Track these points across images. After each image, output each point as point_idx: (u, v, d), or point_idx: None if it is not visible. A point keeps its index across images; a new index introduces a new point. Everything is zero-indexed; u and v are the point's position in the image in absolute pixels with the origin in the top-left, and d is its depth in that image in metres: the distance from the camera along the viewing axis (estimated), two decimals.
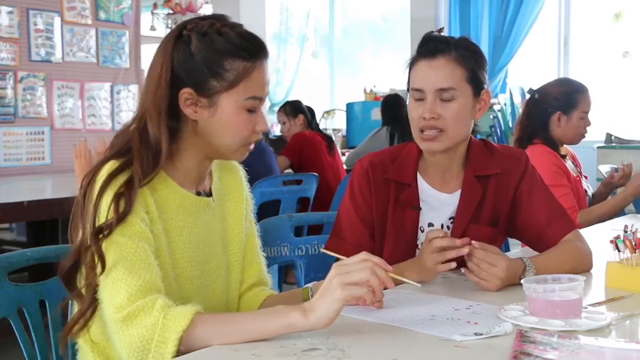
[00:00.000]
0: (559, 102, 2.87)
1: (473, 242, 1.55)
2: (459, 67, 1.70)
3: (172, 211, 1.40)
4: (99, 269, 1.25)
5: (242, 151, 1.45)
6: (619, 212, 2.86)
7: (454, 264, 1.56)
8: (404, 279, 1.36)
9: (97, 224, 1.27)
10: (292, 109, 5.05)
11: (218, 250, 1.50)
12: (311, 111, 5.14)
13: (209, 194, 1.50)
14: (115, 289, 1.25)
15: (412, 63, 1.76)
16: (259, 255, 1.62)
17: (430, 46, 1.72)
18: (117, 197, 1.28)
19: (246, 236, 1.58)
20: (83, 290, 1.31)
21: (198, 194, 1.47)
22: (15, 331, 1.48)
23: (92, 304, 1.29)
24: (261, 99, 1.41)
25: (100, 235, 1.26)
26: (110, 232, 1.26)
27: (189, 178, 1.45)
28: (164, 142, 1.35)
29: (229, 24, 1.40)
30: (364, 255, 1.25)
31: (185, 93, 1.36)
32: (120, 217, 1.27)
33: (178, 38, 1.37)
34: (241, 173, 1.62)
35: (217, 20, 1.39)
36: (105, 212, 1.28)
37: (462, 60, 1.71)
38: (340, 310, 1.21)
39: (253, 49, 1.39)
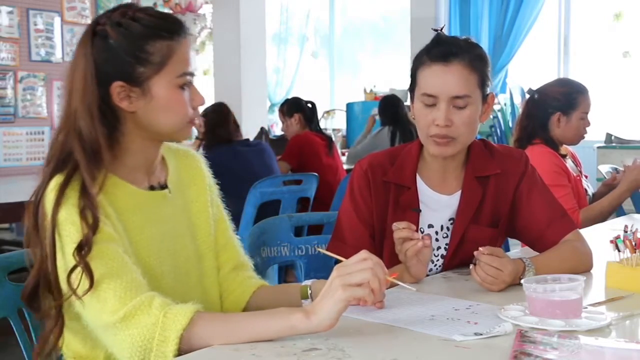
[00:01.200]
0: (559, 103, 2.87)
1: (480, 248, 1.55)
2: (472, 73, 1.68)
3: (128, 211, 1.37)
4: (85, 286, 1.23)
5: (187, 129, 1.43)
6: (617, 208, 2.86)
7: (417, 247, 1.56)
8: (399, 282, 1.36)
9: (61, 241, 1.25)
10: (289, 108, 5.00)
11: (186, 241, 1.48)
12: (313, 108, 5.03)
13: (165, 186, 1.47)
14: (100, 296, 1.24)
15: (421, 65, 1.72)
16: (233, 238, 1.60)
17: (442, 50, 1.68)
18: (82, 211, 1.25)
19: (215, 222, 1.56)
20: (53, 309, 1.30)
21: (152, 188, 1.44)
22: (15, 331, 1.48)
23: (59, 321, 1.29)
24: (191, 74, 1.40)
25: (83, 252, 1.24)
26: (90, 246, 1.24)
27: (138, 173, 1.42)
28: (102, 139, 1.32)
29: (141, 8, 1.38)
30: (364, 254, 1.25)
31: (117, 87, 1.34)
32: (94, 227, 1.25)
33: (94, 35, 1.35)
34: (200, 160, 1.59)
35: (128, 8, 1.37)
36: (68, 228, 1.25)
37: (474, 66, 1.68)
38: (342, 311, 1.20)
39: (171, 27, 1.37)
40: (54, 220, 1.26)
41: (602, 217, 2.76)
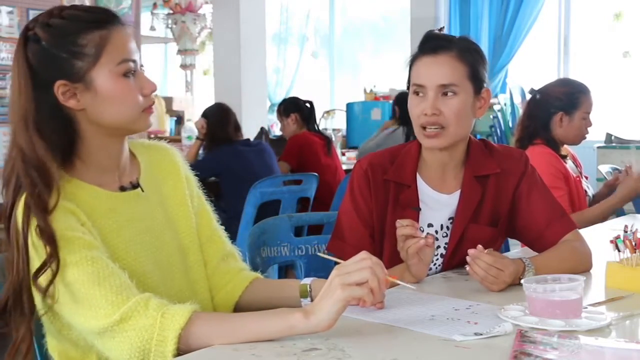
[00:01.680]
0: (562, 102, 2.86)
1: (479, 246, 1.55)
2: (461, 63, 1.71)
3: (101, 215, 1.35)
4: (66, 297, 1.23)
5: (143, 118, 1.39)
6: (609, 216, 2.85)
7: (419, 245, 1.56)
8: (399, 282, 1.36)
9: (40, 259, 1.24)
10: (285, 108, 4.96)
11: (166, 237, 1.46)
12: (311, 107, 4.97)
13: (137, 185, 1.45)
14: (92, 303, 1.23)
15: (413, 60, 1.77)
16: (218, 229, 1.58)
17: (432, 44, 1.74)
18: (39, 230, 1.24)
19: (196, 215, 1.54)
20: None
21: (123, 188, 1.42)
22: None
23: (27, 335, 1.29)
24: (134, 61, 1.37)
25: (48, 270, 1.23)
26: (58, 261, 1.23)
27: (107, 175, 1.40)
28: (40, 149, 1.29)
29: (68, 6, 1.37)
30: (363, 254, 1.25)
31: (60, 87, 1.32)
32: (52, 242, 1.23)
33: (26, 42, 1.33)
34: (174, 153, 1.56)
35: (55, 8, 1.36)
36: (39, 245, 1.25)
37: (463, 57, 1.72)
38: (341, 311, 1.20)
39: (102, 18, 1.36)
40: (26, 240, 1.25)
41: (592, 224, 2.74)
